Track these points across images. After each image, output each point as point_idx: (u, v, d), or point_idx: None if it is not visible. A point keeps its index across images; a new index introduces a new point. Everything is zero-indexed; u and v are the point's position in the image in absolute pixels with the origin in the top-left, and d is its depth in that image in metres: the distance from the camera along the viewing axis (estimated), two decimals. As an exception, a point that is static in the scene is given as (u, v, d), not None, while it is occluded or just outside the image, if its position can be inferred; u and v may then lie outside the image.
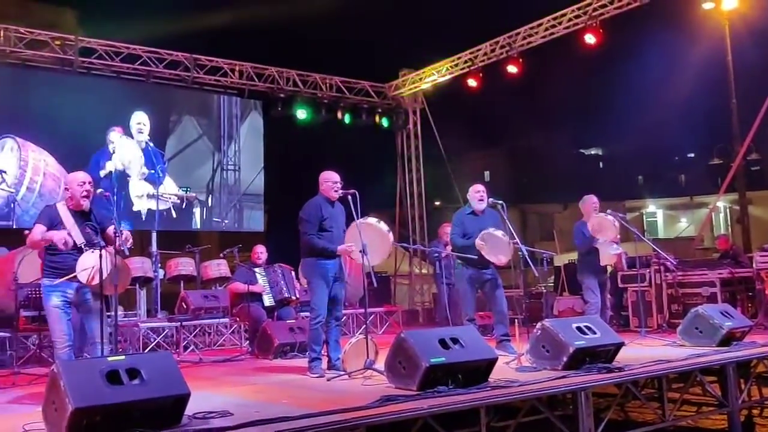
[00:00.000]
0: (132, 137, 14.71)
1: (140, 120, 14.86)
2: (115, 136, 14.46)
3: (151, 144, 14.85)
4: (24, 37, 13.55)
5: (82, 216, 6.44)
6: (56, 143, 13.77)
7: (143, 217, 14.59)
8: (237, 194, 16.12)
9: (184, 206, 15.26)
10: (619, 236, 9.60)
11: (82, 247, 6.19)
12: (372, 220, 7.55)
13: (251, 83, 15.99)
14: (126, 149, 14.57)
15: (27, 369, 8.85)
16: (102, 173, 14.17)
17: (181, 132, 15.64)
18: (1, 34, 13.29)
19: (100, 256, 6.04)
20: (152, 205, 14.62)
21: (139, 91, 15.01)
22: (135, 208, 14.57)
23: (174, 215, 15.11)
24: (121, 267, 6.50)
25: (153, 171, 14.81)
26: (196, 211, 15.48)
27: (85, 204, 6.44)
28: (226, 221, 15.99)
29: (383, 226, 7.54)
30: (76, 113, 13.97)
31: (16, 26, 13.57)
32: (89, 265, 6.09)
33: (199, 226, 15.68)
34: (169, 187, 15.08)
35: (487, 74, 15.42)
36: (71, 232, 6.26)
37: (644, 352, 7.72)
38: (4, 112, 13.51)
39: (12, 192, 13.19)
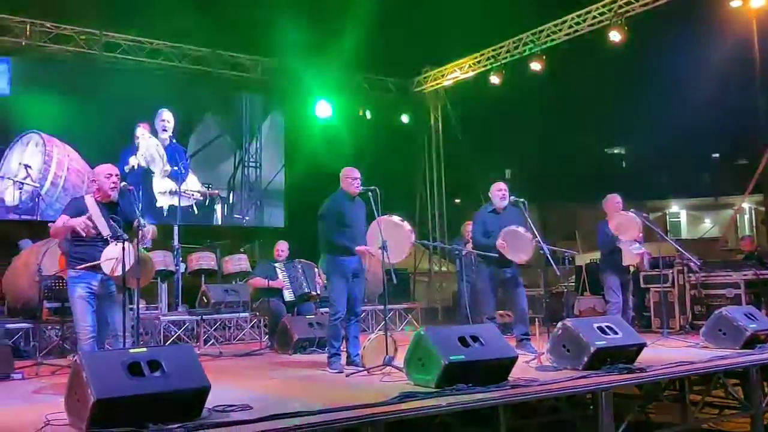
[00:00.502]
0: (156, 134, 14.82)
1: (165, 117, 15.04)
2: (141, 132, 14.60)
3: (175, 141, 14.97)
4: (50, 31, 13.63)
5: (108, 208, 6.48)
6: (81, 139, 13.90)
7: (165, 213, 14.73)
8: (258, 191, 16.17)
9: (207, 203, 15.34)
10: (641, 235, 9.52)
11: (108, 238, 6.22)
12: (396, 218, 7.54)
13: (273, 79, 16.00)
14: (150, 146, 14.69)
15: (50, 360, 8.92)
16: (126, 168, 14.31)
17: (204, 129, 15.76)
18: (27, 29, 13.37)
19: (123, 248, 6.07)
20: (174, 201, 14.68)
21: (164, 87, 15.11)
22: (158, 204, 14.75)
23: (195, 212, 15.21)
24: (146, 261, 6.54)
25: (176, 168, 14.95)
26: (218, 207, 15.56)
27: (113, 195, 6.48)
28: (246, 218, 16.05)
29: (406, 225, 7.53)
30: (101, 109, 14.07)
31: (42, 21, 13.65)
32: (113, 256, 6.13)
33: (220, 223, 15.73)
34: (192, 183, 15.15)
35: (511, 71, 15.36)
36: (97, 223, 6.30)
37: (666, 354, 7.67)
38: (29, 107, 13.60)
39: (36, 186, 13.35)
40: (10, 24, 13.23)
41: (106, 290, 6.36)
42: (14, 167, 13.32)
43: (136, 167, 14.45)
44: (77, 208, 6.37)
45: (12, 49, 13.44)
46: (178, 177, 14.92)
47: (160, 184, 14.82)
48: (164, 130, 14.91)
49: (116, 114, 14.39)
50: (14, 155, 13.39)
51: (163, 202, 14.83)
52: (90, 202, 6.42)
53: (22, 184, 13.26)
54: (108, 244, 6.24)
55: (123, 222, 6.48)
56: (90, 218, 6.26)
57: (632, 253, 9.34)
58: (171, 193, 14.79)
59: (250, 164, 16.15)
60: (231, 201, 15.77)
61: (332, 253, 7.52)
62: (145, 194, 14.41)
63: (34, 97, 13.63)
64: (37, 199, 13.29)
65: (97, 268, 6.25)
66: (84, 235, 6.20)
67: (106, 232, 6.30)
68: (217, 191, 15.40)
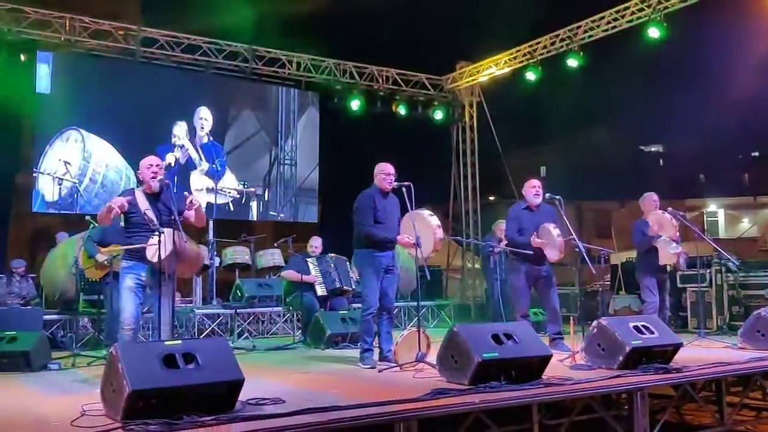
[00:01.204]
0: (194, 131, 14.95)
1: (203, 115, 15.11)
2: (178, 129, 14.72)
3: (211, 138, 15.10)
4: (88, 26, 13.76)
5: (156, 199, 6.58)
6: (120, 135, 14.00)
7: (202, 209, 14.61)
8: (293, 188, 16.23)
9: (243, 201, 15.47)
10: (678, 235, 9.43)
11: (157, 227, 6.29)
12: (425, 212, 7.51)
13: (308, 75, 16.03)
14: (187, 143, 14.82)
15: (86, 351, 9.02)
16: (165, 164, 14.29)
17: (240, 126, 15.80)
18: (66, 24, 13.51)
19: (160, 236, 6.12)
20: (211, 198, 14.83)
21: (201, 84, 15.18)
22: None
23: (231, 209, 15.32)
24: (193, 252, 6.58)
25: (213, 165, 15.05)
26: (253, 204, 15.63)
27: (154, 185, 6.57)
28: (281, 215, 16.10)
29: (434, 221, 7.48)
30: (139, 106, 14.16)
31: (81, 16, 13.79)
32: (155, 243, 6.21)
33: (255, 219, 15.83)
34: (229, 181, 15.27)
35: (547, 67, 15.25)
36: (146, 214, 6.41)
37: (703, 354, 7.58)
38: (69, 103, 13.72)
39: (75, 182, 13.48)
40: (50, 19, 13.37)
41: (155, 282, 6.43)
42: (54, 163, 13.42)
43: (173, 164, 14.52)
44: (127, 195, 6.52)
45: (51, 44, 13.58)
46: (215, 174, 15.02)
47: (198, 182, 14.88)
48: (201, 128, 15.00)
49: (154, 111, 14.48)
50: (54, 151, 13.48)
51: (200, 199, 14.62)
52: (139, 194, 6.55)
53: (62, 180, 13.37)
54: (155, 233, 6.32)
55: (176, 212, 6.52)
56: (131, 203, 6.37)
57: (669, 252, 9.25)
58: (208, 190, 14.88)
59: (286, 162, 16.20)
60: (266, 198, 15.83)
61: (365, 248, 7.52)
62: (183, 191, 14.30)
63: (74, 94, 13.74)
64: (75, 195, 13.41)
65: (143, 258, 6.35)
66: (119, 212, 6.32)
67: (154, 221, 6.38)
68: (253, 189, 15.47)
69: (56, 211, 13.52)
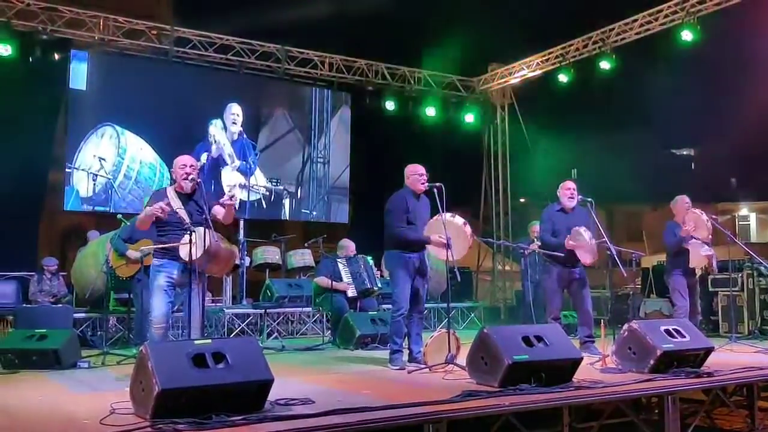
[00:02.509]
0: (226, 128, 15.07)
1: (235, 111, 15.21)
2: (213, 127, 14.91)
3: (244, 135, 15.21)
4: (122, 26, 13.87)
5: (188, 198, 6.61)
6: (154, 132, 14.18)
7: (235, 206, 14.66)
8: (325, 187, 16.28)
9: (272, 198, 15.54)
10: (711, 237, 9.33)
11: (189, 226, 6.31)
12: (447, 215, 7.46)
13: (341, 76, 16.05)
14: (221, 140, 14.94)
15: (116, 350, 9.08)
16: (199, 164, 14.38)
17: (273, 124, 15.89)
18: (101, 23, 13.63)
19: (192, 235, 6.15)
20: (242, 195, 14.93)
21: (235, 82, 15.27)
22: None
23: (264, 206, 15.41)
24: (226, 252, 6.60)
25: (245, 162, 15.16)
26: (285, 202, 15.72)
27: (185, 186, 6.59)
28: (314, 212, 16.16)
29: (459, 220, 7.45)
30: (173, 103, 14.35)
31: (115, 16, 13.90)
32: (187, 241, 6.23)
33: (287, 217, 15.87)
34: (259, 179, 15.38)
35: (579, 70, 15.15)
36: (179, 213, 6.45)
37: (734, 358, 7.50)
38: (104, 100, 13.93)
39: (110, 178, 13.65)
40: (85, 19, 13.49)
41: (186, 281, 6.46)
42: (89, 159, 13.58)
43: (207, 162, 14.69)
44: (158, 199, 6.51)
45: (85, 43, 13.71)
46: (246, 171, 15.16)
47: (229, 178, 15.01)
48: (234, 124, 15.13)
49: (188, 108, 14.61)
50: (89, 147, 13.64)
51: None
52: (171, 193, 6.58)
53: (96, 175, 13.54)
54: (188, 231, 6.35)
55: (208, 210, 6.55)
56: (169, 205, 6.39)
57: (700, 254, 9.16)
58: (239, 186, 15.01)
59: (318, 160, 16.27)
60: (299, 196, 15.90)
61: (396, 249, 7.51)
62: (217, 189, 14.59)
63: (109, 91, 13.95)
64: (110, 191, 13.58)
65: (175, 254, 6.40)
66: (163, 217, 6.34)
67: (186, 220, 6.41)
68: (282, 187, 15.54)
69: (90, 207, 13.62)
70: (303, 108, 16.24)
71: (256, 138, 15.51)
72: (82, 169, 13.48)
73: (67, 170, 13.45)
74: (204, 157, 14.64)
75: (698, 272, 9.68)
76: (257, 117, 15.67)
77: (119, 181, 13.82)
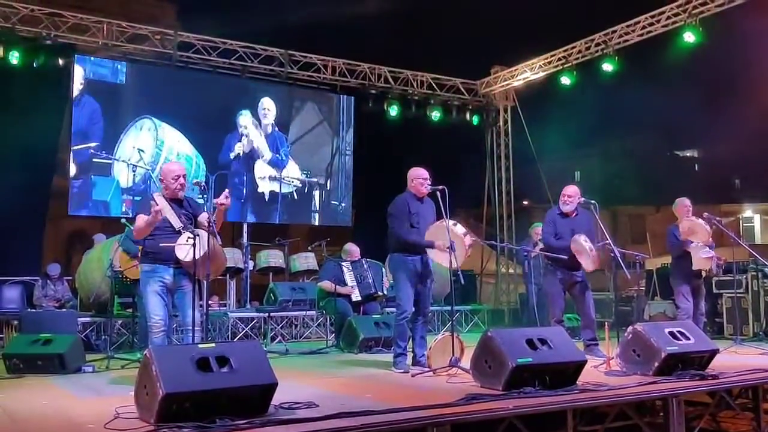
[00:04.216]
0: (259, 121, 15.35)
1: (266, 105, 15.46)
2: (244, 119, 15.14)
3: (276, 128, 15.53)
4: (125, 31, 13.90)
5: (177, 204, 6.65)
6: (189, 124, 14.51)
7: (266, 198, 15.26)
8: (352, 179, 16.46)
9: (306, 190, 15.87)
10: (711, 240, 9.31)
11: (180, 230, 6.34)
12: (450, 222, 7.46)
13: (343, 79, 16.05)
14: (252, 133, 15.25)
15: (120, 354, 9.09)
16: (231, 155, 14.92)
17: (304, 117, 16.16)
18: (104, 28, 13.66)
19: (194, 237, 6.18)
20: (274, 187, 15.30)
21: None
22: (260, 190, 15.23)
23: (296, 197, 15.71)
24: (216, 253, 6.61)
25: (276, 154, 15.47)
26: (316, 193, 15.94)
27: (180, 195, 6.67)
28: (343, 204, 16.27)
29: (460, 229, 7.45)
30: (206, 96, 14.68)
31: (119, 21, 13.93)
32: (186, 242, 6.26)
33: (318, 209, 16.12)
34: (292, 170, 15.68)
35: (582, 72, 15.15)
36: (169, 217, 6.48)
37: (739, 361, 7.48)
38: (142, 94, 14.25)
39: (149, 170, 13.88)
40: (88, 24, 13.52)
41: (178, 284, 6.48)
42: (128, 150, 13.84)
43: (240, 154, 14.99)
44: (148, 206, 6.52)
45: (89, 48, 13.73)
46: (278, 163, 15.47)
47: (261, 170, 15.28)
48: (265, 117, 15.42)
49: (221, 101, 15.00)
50: (129, 139, 13.94)
51: (264, 187, 15.31)
52: (159, 199, 6.57)
53: (136, 166, 13.79)
54: (180, 235, 6.37)
55: (192, 214, 6.60)
56: (159, 211, 6.40)
57: (701, 257, 9.15)
58: (270, 178, 15.31)
59: (347, 152, 16.42)
60: (328, 187, 16.07)
61: (399, 253, 7.52)
62: (250, 180, 15.03)
63: (146, 85, 14.38)
64: (149, 182, 13.81)
65: (166, 258, 6.43)
66: (157, 217, 6.36)
67: (177, 224, 6.43)
68: (315, 179, 15.94)
69: (130, 197, 13.80)
70: (332, 100, 16.49)
71: (287, 130, 15.79)
72: (123, 161, 13.75)
73: (107, 161, 13.66)
74: (238, 147, 14.99)
75: (702, 274, 9.66)
76: (288, 110, 15.92)
77: (157, 172, 13.87)
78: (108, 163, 13.59)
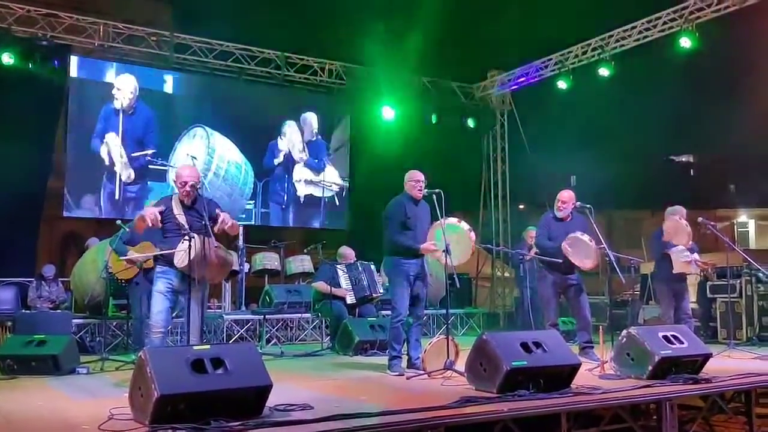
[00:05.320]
0: (302, 129, 16.12)
1: (309, 120, 16.26)
2: (287, 128, 15.93)
3: (319, 137, 16.34)
4: (122, 32, 13.89)
5: (190, 205, 6.72)
6: (237, 132, 15.17)
7: (302, 200, 16.04)
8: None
9: (344, 194, 16.55)
10: (691, 243, 9.28)
11: (188, 232, 6.36)
12: (453, 219, 7.50)
13: (340, 82, 16.07)
14: (292, 138, 15.96)
15: (114, 355, 9.08)
16: (276, 161, 15.70)
17: (344, 127, 16.85)
18: (100, 29, 13.65)
19: (190, 241, 6.21)
20: (311, 191, 16.18)
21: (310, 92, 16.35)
22: (298, 193, 15.98)
23: (337, 203, 16.47)
24: (215, 258, 6.61)
25: (316, 160, 16.26)
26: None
27: (186, 201, 6.71)
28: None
29: (464, 226, 7.49)
30: (253, 106, 15.34)
31: (115, 22, 13.92)
32: (183, 249, 6.28)
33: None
34: (330, 175, 16.40)
35: (578, 76, 15.18)
36: (179, 219, 6.57)
37: (732, 365, 7.54)
38: (193, 103, 14.94)
39: (201, 176, 13.87)
40: (85, 25, 13.52)
41: (185, 288, 6.49)
42: (182, 158, 14.15)
43: (282, 159, 15.77)
44: (161, 204, 6.69)
45: (85, 49, 13.73)
46: (316, 168, 16.27)
47: (299, 174, 16.03)
48: (306, 124, 16.29)
49: (266, 109, 15.70)
50: (182, 146, 14.54)
51: (302, 190, 16.07)
52: (175, 199, 6.72)
53: None
54: (187, 238, 6.40)
55: (207, 217, 6.58)
56: (162, 212, 6.53)
57: (681, 261, 9.13)
58: (306, 182, 16.07)
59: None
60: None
61: (395, 255, 7.52)
62: (291, 184, 15.84)
63: (197, 94, 15.18)
64: (201, 188, 13.81)
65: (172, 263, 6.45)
66: (150, 224, 6.45)
67: (185, 227, 6.47)
68: (347, 184, 16.65)
69: None
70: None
71: (329, 138, 16.55)
72: (176, 168, 13.94)
73: (162, 167, 14.09)
74: (281, 153, 15.76)
75: (696, 278, 9.66)
76: (331, 120, 16.65)
77: (209, 178, 14.69)
78: (163, 169, 14.05)
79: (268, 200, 15.66)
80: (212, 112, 15.00)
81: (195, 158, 13.71)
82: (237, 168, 15.09)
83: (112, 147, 13.96)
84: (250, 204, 15.43)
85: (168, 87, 14.85)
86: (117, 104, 14.01)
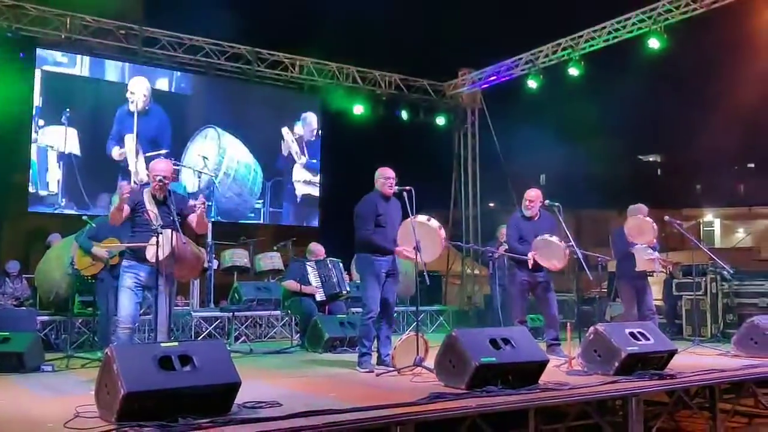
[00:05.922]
0: (302, 129, 16.49)
1: (309, 120, 16.63)
2: (288, 129, 16.31)
3: (320, 137, 16.68)
4: (90, 25, 13.73)
5: (162, 200, 6.66)
6: (246, 133, 15.54)
7: (298, 199, 16.36)
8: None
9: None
10: (656, 242, 9.36)
11: (158, 228, 6.31)
12: (422, 217, 7.50)
13: (311, 78, 16.01)
14: (289, 139, 16.31)
15: (80, 353, 9.00)
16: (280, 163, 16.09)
17: (314, 124, 16.98)
18: (67, 22, 13.49)
19: (158, 236, 6.17)
20: (308, 190, 16.58)
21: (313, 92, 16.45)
22: (297, 192, 16.37)
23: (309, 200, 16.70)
24: (187, 254, 6.58)
25: (314, 160, 16.61)
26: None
27: (159, 195, 6.66)
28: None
29: (434, 224, 7.50)
30: (260, 107, 15.84)
31: (83, 14, 13.75)
32: (154, 243, 6.24)
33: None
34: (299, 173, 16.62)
35: (548, 76, 15.26)
36: (149, 214, 6.53)
37: (697, 361, 7.63)
38: (206, 106, 15.41)
39: (212, 176, 14.74)
40: (51, 17, 13.34)
41: (154, 282, 6.44)
42: (194, 157, 14.82)
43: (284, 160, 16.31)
44: (133, 199, 6.60)
45: (52, 42, 13.56)
46: (314, 168, 16.71)
47: (298, 174, 16.47)
48: (306, 124, 16.65)
49: (274, 111, 16.22)
50: (194, 147, 14.97)
51: (300, 190, 16.44)
52: (146, 193, 6.65)
53: (200, 173, 14.62)
54: (157, 233, 6.36)
55: (177, 213, 6.58)
56: (135, 200, 6.53)
57: (644, 259, 9.19)
58: (304, 182, 16.54)
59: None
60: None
61: (366, 253, 7.53)
62: (291, 183, 16.30)
63: (210, 96, 15.55)
64: (212, 187, 14.71)
65: (142, 255, 6.41)
66: (125, 196, 6.44)
67: (157, 222, 6.41)
68: None
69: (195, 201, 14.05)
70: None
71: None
72: (189, 167, 14.50)
73: (175, 167, 13.76)
74: (282, 155, 16.26)
75: (658, 275, 9.71)
76: (331, 120, 16.92)
77: (220, 178, 15.00)
78: (176, 169, 13.75)
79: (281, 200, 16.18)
80: (223, 113, 15.42)
81: (206, 158, 14.81)
82: (246, 168, 15.49)
83: (128, 148, 14.25)
84: (259, 203, 15.70)
85: (178, 87, 15.24)
86: (132, 107, 14.31)
